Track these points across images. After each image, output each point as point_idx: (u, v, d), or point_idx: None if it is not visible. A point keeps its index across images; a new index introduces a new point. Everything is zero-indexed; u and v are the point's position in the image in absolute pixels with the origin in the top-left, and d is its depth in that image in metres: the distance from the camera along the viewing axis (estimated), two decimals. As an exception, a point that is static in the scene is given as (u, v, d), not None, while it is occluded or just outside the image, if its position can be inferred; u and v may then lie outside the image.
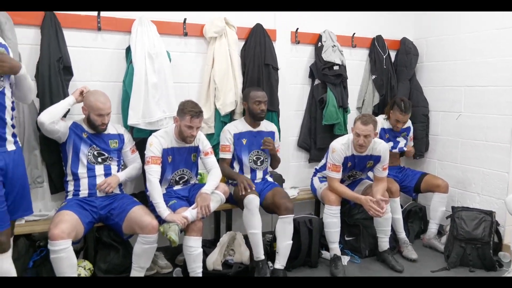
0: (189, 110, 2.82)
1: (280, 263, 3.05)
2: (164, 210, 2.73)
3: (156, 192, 2.78)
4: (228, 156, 3.28)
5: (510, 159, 3.57)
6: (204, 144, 3.07)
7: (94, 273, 2.85)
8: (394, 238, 3.60)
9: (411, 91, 4.20)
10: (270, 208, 3.23)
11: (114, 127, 3.00)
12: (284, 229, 3.05)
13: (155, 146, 2.87)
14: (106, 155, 2.91)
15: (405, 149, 3.98)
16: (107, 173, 2.90)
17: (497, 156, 3.66)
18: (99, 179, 2.85)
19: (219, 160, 3.25)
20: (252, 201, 3.00)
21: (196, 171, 3.17)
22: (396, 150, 3.90)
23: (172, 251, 3.38)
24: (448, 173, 4.06)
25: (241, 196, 3.04)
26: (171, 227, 2.61)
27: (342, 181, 3.41)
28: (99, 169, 2.88)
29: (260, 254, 3.04)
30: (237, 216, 3.64)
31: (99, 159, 2.89)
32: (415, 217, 3.95)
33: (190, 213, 2.74)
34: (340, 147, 3.26)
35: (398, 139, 3.95)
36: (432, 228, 3.76)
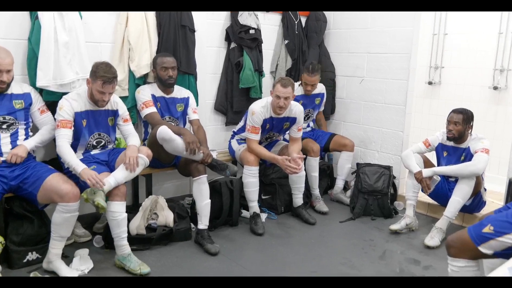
0: (101, 75, 2.64)
1: (203, 223, 3.12)
2: (77, 166, 2.58)
3: (67, 154, 2.62)
4: (155, 109, 3.20)
5: (404, 120, 4.02)
6: (123, 110, 2.95)
7: (6, 246, 2.65)
8: (306, 194, 3.87)
9: (320, 56, 4.42)
10: (184, 172, 3.28)
11: (19, 87, 2.72)
12: (200, 189, 3.10)
13: (65, 109, 2.69)
14: (12, 119, 2.64)
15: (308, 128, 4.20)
16: (14, 144, 2.66)
17: (394, 117, 4.08)
18: (5, 148, 2.62)
19: (148, 116, 3.17)
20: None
21: (114, 136, 3.04)
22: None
23: (88, 220, 3.28)
24: (352, 133, 4.43)
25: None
26: (96, 193, 2.50)
27: (259, 142, 3.54)
28: (4, 138, 2.63)
29: None
30: (157, 181, 3.61)
31: (4, 126, 2.63)
32: (324, 175, 4.26)
33: (114, 177, 2.65)
34: (260, 110, 3.36)
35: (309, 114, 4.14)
36: (339, 183, 4.11)
